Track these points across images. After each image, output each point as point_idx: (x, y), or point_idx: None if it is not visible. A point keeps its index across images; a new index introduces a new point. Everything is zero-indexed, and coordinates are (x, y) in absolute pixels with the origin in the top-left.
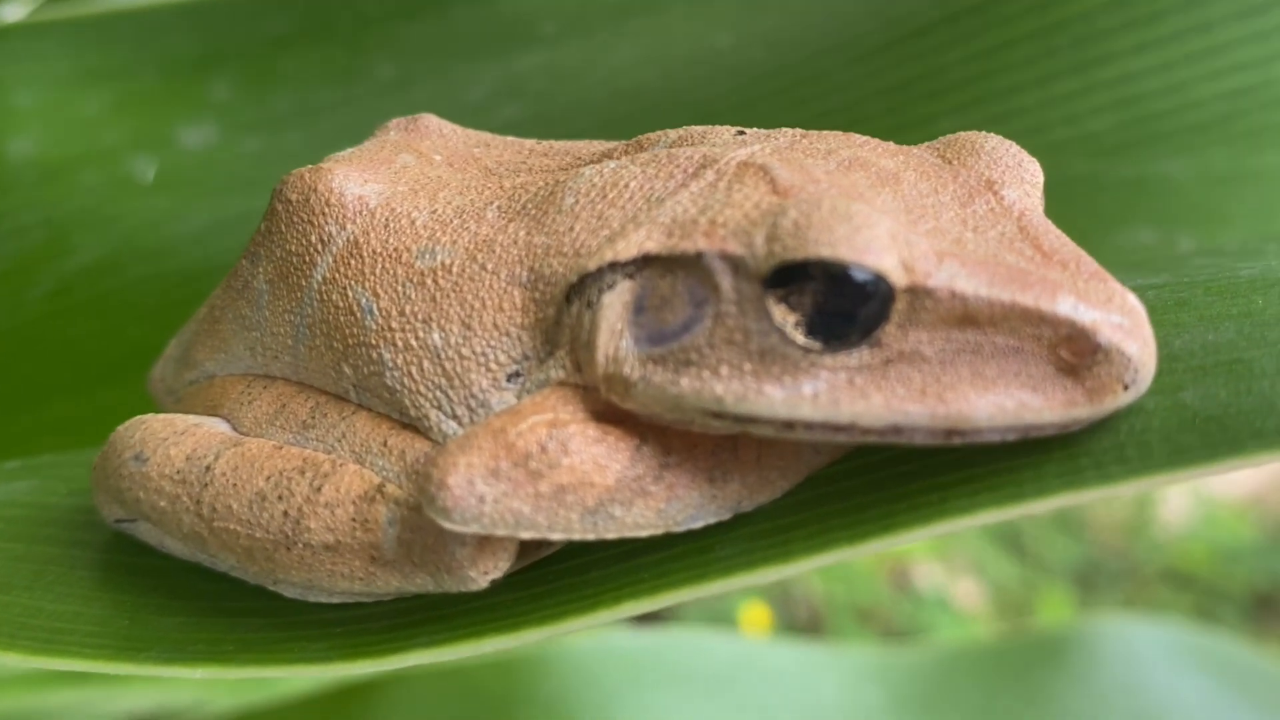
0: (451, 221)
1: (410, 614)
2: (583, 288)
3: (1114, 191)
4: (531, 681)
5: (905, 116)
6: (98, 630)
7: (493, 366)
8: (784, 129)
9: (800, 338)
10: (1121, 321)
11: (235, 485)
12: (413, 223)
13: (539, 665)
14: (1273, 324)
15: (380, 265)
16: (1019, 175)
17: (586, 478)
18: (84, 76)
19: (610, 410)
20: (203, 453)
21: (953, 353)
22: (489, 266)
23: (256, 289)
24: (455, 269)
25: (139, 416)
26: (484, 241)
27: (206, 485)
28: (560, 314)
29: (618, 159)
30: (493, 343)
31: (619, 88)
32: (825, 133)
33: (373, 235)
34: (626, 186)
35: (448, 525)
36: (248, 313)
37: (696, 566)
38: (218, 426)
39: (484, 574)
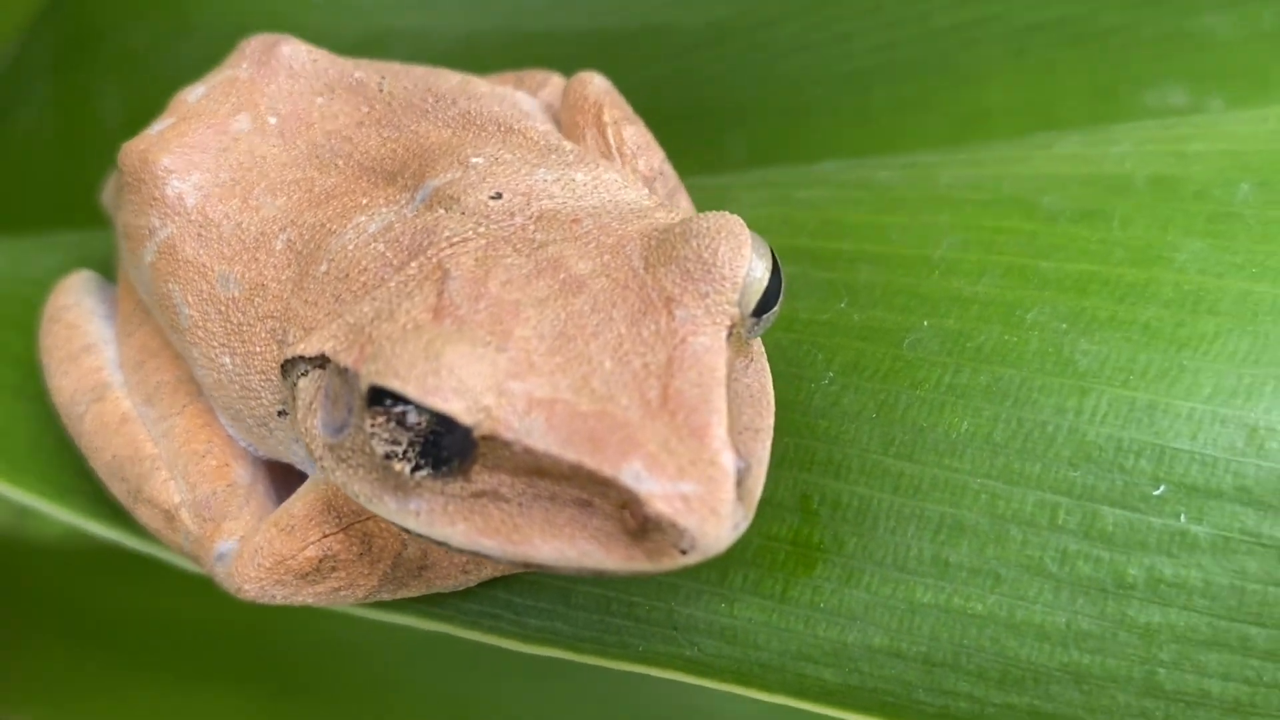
0: (249, 245)
1: None
2: (288, 369)
3: (1149, 46)
4: None
5: None
6: None
7: (265, 401)
8: (536, 198)
9: (396, 461)
10: (687, 491)
11: (96, 447)
12: (220, 235)
13: None
14: None
15: (191, 274)
16: (702, 287)
17: (354, 582)
18: None
19: None
20: (80, 398)
21: (532, 497)
22: (260, 314)
23: (119, 230)
24: (241, 305)
25: (62, 296)
26: (261, 285)
27: (80, 435)
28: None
29: (386, 207)
30: (262, 383)
31: None
32: (559, 210)
33: (187, 241)
34: (364, 270)
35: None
36: (119, 241)
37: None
38: (102, 355)
39: (252, 600)
